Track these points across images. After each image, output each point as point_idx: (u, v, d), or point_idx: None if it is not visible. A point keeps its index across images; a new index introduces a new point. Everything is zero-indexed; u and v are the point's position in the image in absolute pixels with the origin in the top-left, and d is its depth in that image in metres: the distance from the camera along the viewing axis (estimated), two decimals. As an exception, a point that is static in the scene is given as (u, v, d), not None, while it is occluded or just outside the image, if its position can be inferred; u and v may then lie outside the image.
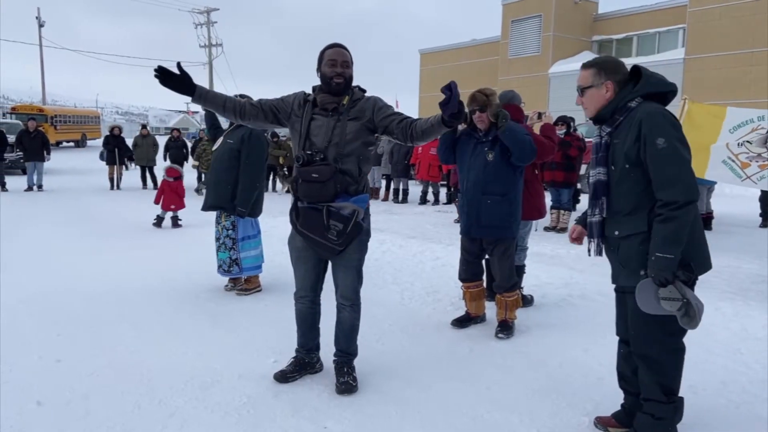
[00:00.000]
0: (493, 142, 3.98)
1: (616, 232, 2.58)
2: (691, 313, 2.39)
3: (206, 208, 5.08)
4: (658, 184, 2.40)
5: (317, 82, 3.18)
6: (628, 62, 2.67)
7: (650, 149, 2.40)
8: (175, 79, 2.88)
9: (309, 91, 3.24)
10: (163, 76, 2.86)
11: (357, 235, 3.08)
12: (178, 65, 2.91)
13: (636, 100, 2.52)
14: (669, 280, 2.37)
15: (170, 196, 8.89)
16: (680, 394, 2.63)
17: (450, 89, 2.67)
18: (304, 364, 3.41)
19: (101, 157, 14.79)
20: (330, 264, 3.27)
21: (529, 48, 29.41)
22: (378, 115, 3.10)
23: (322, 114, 3.09)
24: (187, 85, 2.93)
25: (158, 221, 8.88)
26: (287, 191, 13.15)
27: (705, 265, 2.53)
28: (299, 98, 3.19)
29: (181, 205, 8.95)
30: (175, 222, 8.92)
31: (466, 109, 4.08)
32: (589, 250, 2.72)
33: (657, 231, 2.39)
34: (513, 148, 3.87)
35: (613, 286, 2.75)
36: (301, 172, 3.03)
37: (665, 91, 2.56)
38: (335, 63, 3.05)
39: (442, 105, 2.72)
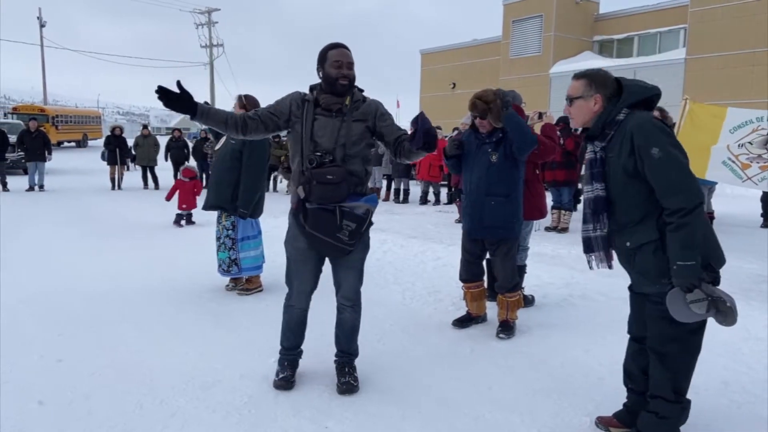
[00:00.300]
0: (497, 144, 3.98)
1: (628, 243, 2.56)
2: (723, 308, 2.38)
3: (207, 207, 5.10)
4: (662, 192, 2.40)
5: (317, 81, 3.17)
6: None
7: (647, 161, 2.40)
8: (175, 98, 2.85)
9: (304, 90, 3.21)
10: (165, 96, 2.83)
11: (365, 234, 3.12)
12: (178, 84, 2.89)
13: (623, 112, 2.53)
14: (696, 285, 2.36)
15: (184, 195, 8.99)
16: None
17: (417, 122, 2.69)
18: (296, 363, 3.38)
19: (102, 157, 14.82)
20: (330, 265, 3.26)
21: (530, 48, 29.40)
22: (379, 121, 3.13)
23: (325, 114, 3.07)
24: (188, 104, 2.89)
25: (186, 220, 9.05)
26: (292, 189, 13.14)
27: (721, 260, 2.52)
28: (296, 99, 3.13)
29: (193, 205, 9.03)
30: (179, 221, 8.96)
31: (469, 114, 4.11)
32: (589, 263, 2.72)
33: (672, 240, 2.38)
34: (514, 134, 3.88)
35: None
36: (315, 174, 2.99)
37: (650, 96, 2.57)
38: (341, 64, 3.03)
39: (409, 140, 2.74)
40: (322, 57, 3.08)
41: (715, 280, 2.45)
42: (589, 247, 2.69)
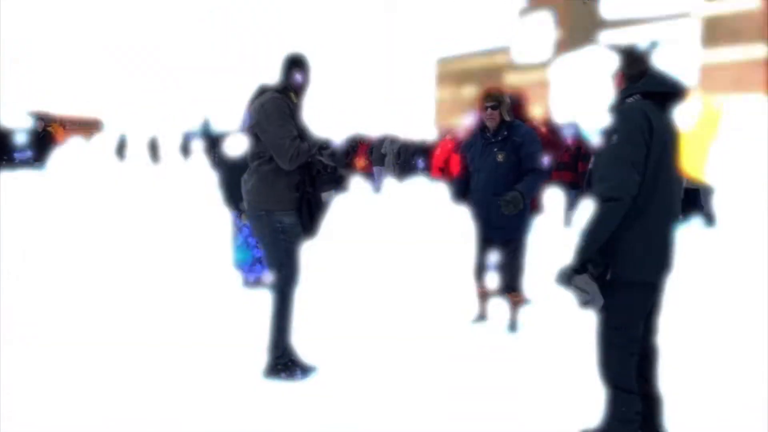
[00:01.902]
0: (503, 143, 3.99)
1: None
2: (590, 303, 2.45)
3: (233, 206, 5.08)
4: (595, 177, 2.42)
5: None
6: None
7: (605, 143, 2.45)
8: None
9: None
10: None
11: None
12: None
13: (634, 96, 2.46)
14: (573, 270, 2.42)
15: None
16: (659, 394, 2.62)
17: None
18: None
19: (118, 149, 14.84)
20: None
21: (535, 49, 29.36)
22: None
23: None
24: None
25: None
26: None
27: (626, 269, 2.44)
28: (289, 104, 3.31)
29: None
30: None
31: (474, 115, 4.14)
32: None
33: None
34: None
35: None
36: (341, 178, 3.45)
37: (665, 92, 2.45)
38: None
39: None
40: (307, 68, 3.35)
41: (597, 275, 2.43)
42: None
